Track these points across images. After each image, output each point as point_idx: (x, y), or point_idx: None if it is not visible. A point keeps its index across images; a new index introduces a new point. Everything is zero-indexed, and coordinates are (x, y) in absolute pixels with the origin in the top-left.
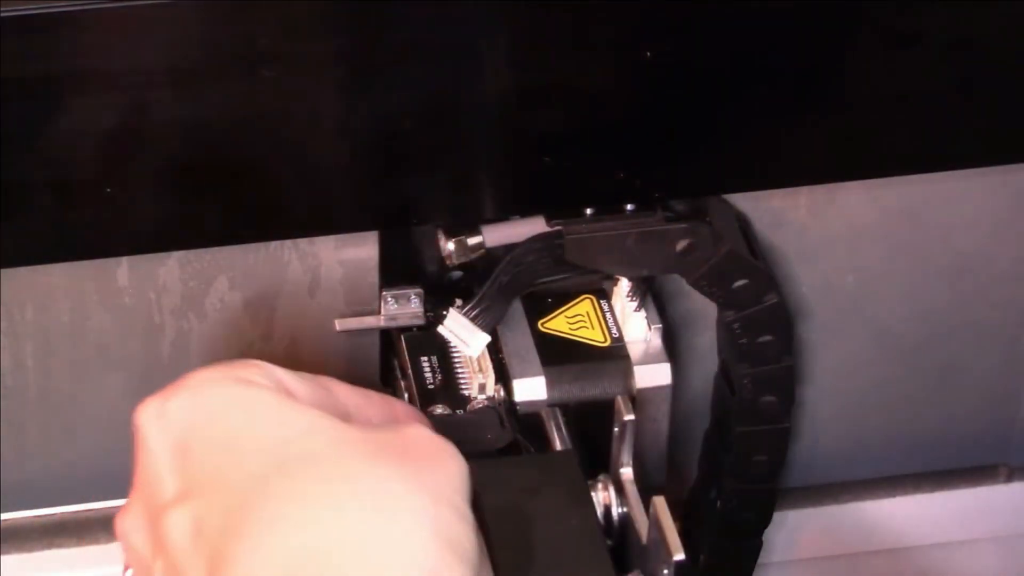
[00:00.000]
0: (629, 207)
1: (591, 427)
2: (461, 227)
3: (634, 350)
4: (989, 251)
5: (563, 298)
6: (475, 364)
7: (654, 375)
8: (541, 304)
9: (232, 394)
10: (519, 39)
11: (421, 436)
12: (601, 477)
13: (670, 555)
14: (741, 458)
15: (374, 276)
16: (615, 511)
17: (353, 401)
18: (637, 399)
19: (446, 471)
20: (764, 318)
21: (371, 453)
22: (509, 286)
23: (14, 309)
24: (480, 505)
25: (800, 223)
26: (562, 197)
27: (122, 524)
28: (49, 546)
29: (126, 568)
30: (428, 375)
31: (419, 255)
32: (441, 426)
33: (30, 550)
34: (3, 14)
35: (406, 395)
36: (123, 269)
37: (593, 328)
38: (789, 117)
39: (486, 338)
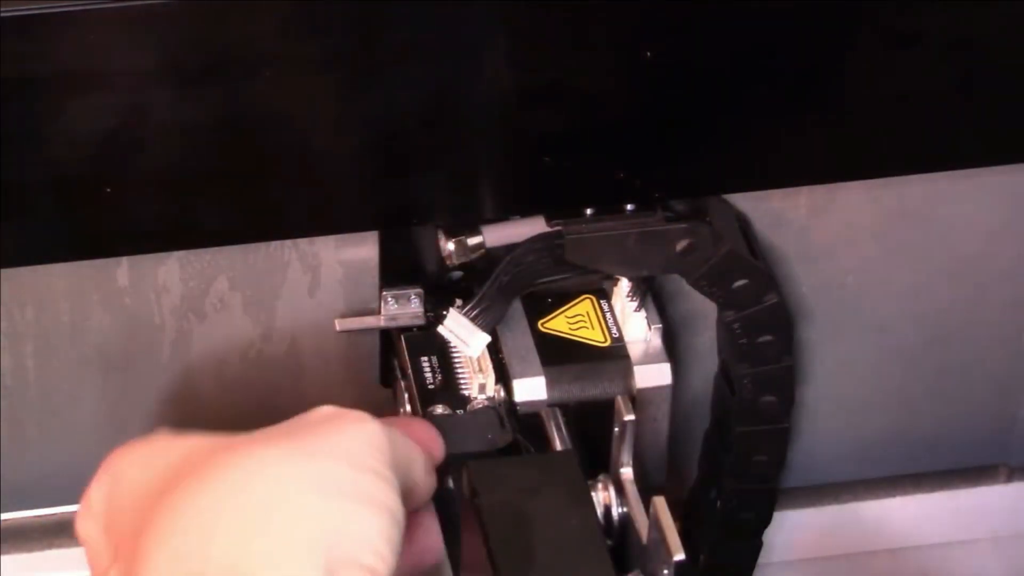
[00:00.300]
0: (629, 207)
1: (591, 427)
2: (461, 227)
3: (634, 350)
4: (989, 251)
5: (563, 298)
6: (475, 364)
7: (654, 375)
8: (541, 304)
9: (134, 456)
10: (519, 39)
11: (322, 412)
12: (601, 477)
13: (670, 555)
14: (741, 458)
15: (374, 276)
16: (615, 511)
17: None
18: (637, 399)
19: (347, 434)
20: (764, 318)
21: (255, 443)
22: (509, 286)
23: (14, 309)
24: (481, 506)
25: (800, 223)
26: (562, 197)
27: None
28: (49, 546)
29: None
30: (428, 375)
31: (419, 255)
32: (441, 426)
33: (30, 550)
34: (3, 14)
35: (406, 395)
36: (123, 269)
37: (593, 328)
38: (789, 117)
39: (486, 338)
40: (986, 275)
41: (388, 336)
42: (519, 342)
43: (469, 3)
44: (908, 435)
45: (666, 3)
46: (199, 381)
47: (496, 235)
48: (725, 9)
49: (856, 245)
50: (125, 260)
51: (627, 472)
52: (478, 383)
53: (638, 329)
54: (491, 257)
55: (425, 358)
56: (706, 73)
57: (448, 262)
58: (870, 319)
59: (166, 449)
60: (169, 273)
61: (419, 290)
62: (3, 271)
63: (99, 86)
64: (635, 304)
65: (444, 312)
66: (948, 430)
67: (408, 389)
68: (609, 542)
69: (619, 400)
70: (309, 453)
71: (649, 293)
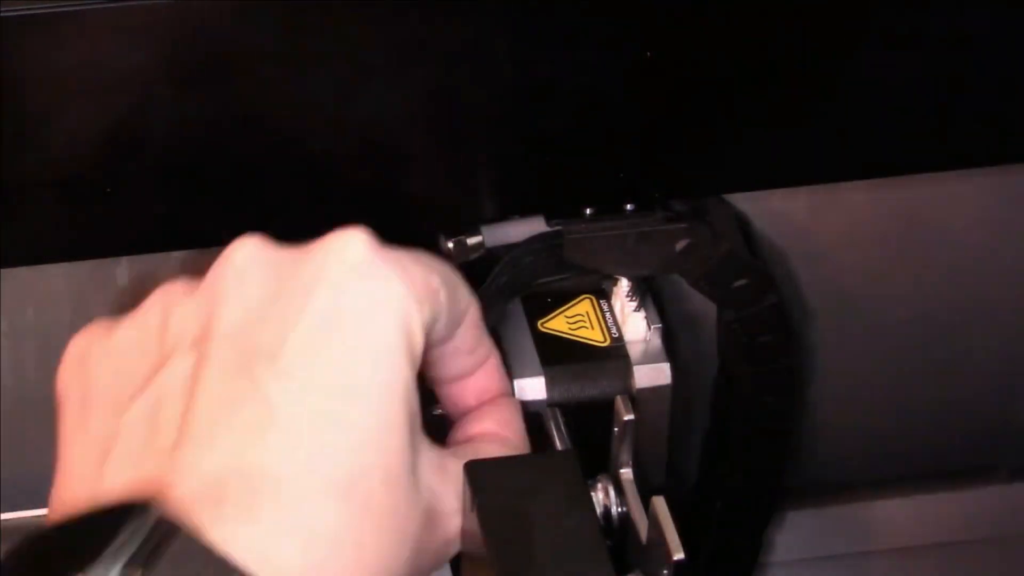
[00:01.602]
0: (629, 207)
1: (591, 427)
2: (461, 227)
3: (634, 350)
4: (989, 251)
5: (563, 298)
6: None
7: (654, 375)
8: (541, 304)
9: (386, 355)
10: (519, 39)
11: (447, 511)
12: (601, 477)
13: (670, 555)
14: (741, 458)
15: None
16: (615, 511)
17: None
18: (637, 399)
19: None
20: (764, 318)
21: (396, 536)
22: (507, 287)
23: (14, 309)
24: (480, 507)
25: (800, 223)
26: (562, 197)
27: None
28: None
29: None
30: None
31: None
32: (442, 427)
33: None
34: (3, 14)
35: None
36: (123, 269)
37: (593, 328)
38: (789, 117)
39: None
40: (986, 275)
41: None
42: (519, 342)
43: (469, 3)
44: (908, 435)
45: (666, 3)
46: None
47: (496, 235)
48: (725, 9)
49: (856, 245)
50: (125, 260)
51: (627, 472)
52: None
53: (638, 329)
54: (491, 257)
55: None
56: (706, 73)
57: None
58: (870, 319)
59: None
60: (169, 273)
61: None
62: (3, 271)
63: (99, 86)
64: (635, 304)
65: None
66: (948, 430)
67: None
68: (609, 542)
69: (619, 400)
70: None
71: (649, 293)
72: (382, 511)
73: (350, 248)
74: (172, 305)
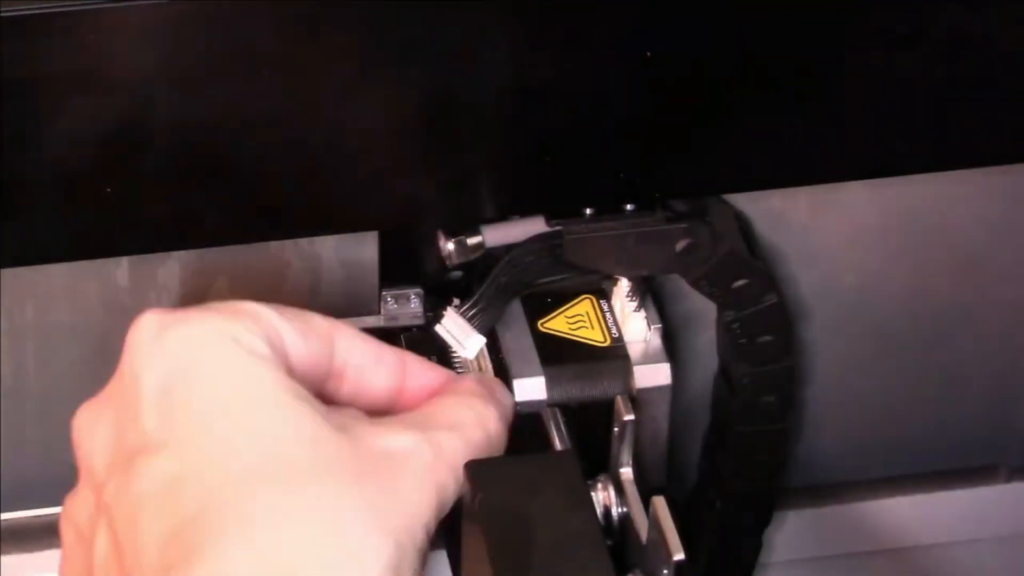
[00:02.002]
0: (629, 207)
1: (591, 427)
2: (461, 227)
3: (634, 350)
4: (989, 251)
5: (563, 298)
6: (475, 364)
7: (654, 375)
8: (541, 304)
9: (231, 364)
10: (519, 39)
11: (394, 449)
12: (601, 477)
13: (670, 555)
14: (741, 458)
15: (374, 276)
16: (615, 511)
17: (347, 350)
18: (637, 399)
19: (407, 499)
20: (764, 318)
21: (346, 476)
22: (507, 287)
23: (14, 309)
24: (480, 506)
25: (800, 223)
26: (562, 197)
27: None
28: (49, 546)
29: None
30: None
31: (419, 255)
32: None
33: (30, 550)
34: (3, 14)
35: None
36: (123, 269)
37: (593, 328)
38: (789, 117)
39: (481, 340)
40: (986, 275)
41: (388, 336)
42: (519, 342)
43: (469, 3)
44: (908, 435)
45: (666, 3)
46: None
47: (496, 235)
48: (725, 8)
49: (856, 245)
50: (125, 260)
51: (627, 472)
52: None
53: (638, 329)
54: (491, 257)
55: (425, 358)
56: (706, 73)
57: (448, 262)
58: (870, 319)
59: (278, 405)
60: (169, 273)
61: (419, 290)
62: (3, 271)
63: (99, 86)
64: (635, 304)
65: (443, 312)
66: (948, 430)
67: None
68: (609, 542)
69: (619, 400)
70: (392, 532)
71: (649, 293)
72: (340, 479)
73: (143, 324)
74: (71, 499)
